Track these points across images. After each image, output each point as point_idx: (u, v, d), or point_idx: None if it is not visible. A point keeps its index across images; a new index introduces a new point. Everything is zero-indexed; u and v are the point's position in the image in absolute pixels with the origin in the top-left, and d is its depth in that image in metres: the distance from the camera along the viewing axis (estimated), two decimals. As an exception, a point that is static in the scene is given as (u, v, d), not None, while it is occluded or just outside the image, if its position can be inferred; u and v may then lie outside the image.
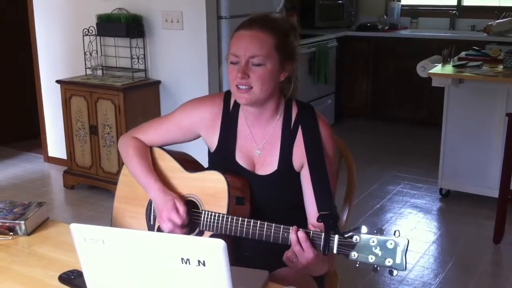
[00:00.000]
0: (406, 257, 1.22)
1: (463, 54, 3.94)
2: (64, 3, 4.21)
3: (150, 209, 1.65)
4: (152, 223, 1.65)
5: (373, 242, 1.25)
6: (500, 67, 3.52)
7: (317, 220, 1.37)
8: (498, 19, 5.07)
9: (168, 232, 1.54)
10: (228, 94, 1.65)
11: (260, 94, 1.50)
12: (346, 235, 1.29)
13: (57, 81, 3.99)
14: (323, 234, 1.33)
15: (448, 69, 3.59)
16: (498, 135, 3.53)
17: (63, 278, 1.36)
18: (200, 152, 1.80)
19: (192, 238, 1.04)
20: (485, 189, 3.63)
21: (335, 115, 5.64)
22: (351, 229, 1.30)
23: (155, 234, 1.21)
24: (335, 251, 1.30)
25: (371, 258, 1.25)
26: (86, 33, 3.95)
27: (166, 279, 1.04)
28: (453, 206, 3.72)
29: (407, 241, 1.22)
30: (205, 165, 1.71)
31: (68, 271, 1.38)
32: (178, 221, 1.52)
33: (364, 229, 1.27)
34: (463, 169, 3.70)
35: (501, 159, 3.24)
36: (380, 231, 1.25)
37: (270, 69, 1.49)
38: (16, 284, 1.38)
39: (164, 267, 1.03)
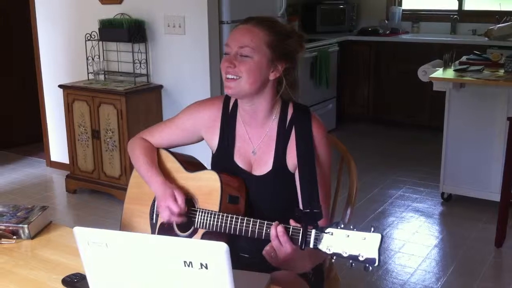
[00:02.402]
0: (380, 252, 1.21)
1: (464, 58, 3.95)
2: (67, 8, 4.22)
3: (153, 208, 1.69)
4: (154, 222, 1.68)
5: (347, 236, 1.25)
6: (501, 71, 3.53)
7: (295, 215, 1.39)
8: (499, 24, 5.08)
9: (166, 221, 1.58)
10: (228, 96, 1.68)
11: (245, 85, 1.53)
12: (323, 230, 1.30)
13: (60, 86, 4.00)
14: (301, 229, 1.34)
15: (449, 73, 3.59)
16: (500, 139, 3.53)
17: (66, 282, 1.37)
18: (207, 155, 1.81)
19: (194, 241, 1.04)
20: (487, 193, 3.63)
21: (337, 119, 5.65)
22: (330, 224, 1.32)
23: (158, 237, 1.21)
24: (311, 246, 1.31)
25: (345, 253, 1.25)
26: (89, 38, 3.97)
27: (169, 282, 1.05)
28: (455, 210, 3.72)
29: (380, 236, 1.22)
30: (209, 167, 1.74)
31: (71, 274, 1.39)
32: (175, 209, 1.56)
33: (341, 224, 1.28)
34: (464, 173, 3.70)
35: (503, 163, 3.24)
36: (357, 227, 1.26)
37: (257, 62, 1.51)
38: (20, 288, 1.39)
39: (167, 270, 1.03)
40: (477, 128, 3.63)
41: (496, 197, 3.32)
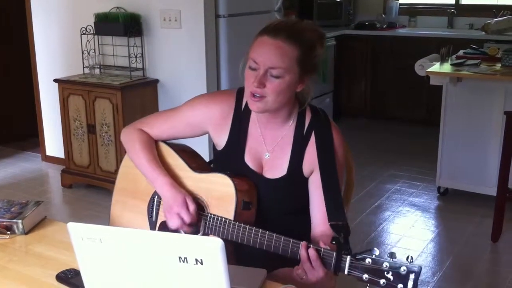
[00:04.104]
0: (418, 284, 1.22)
1: (461, 52, 3.95)
2: (62, 2, 4.20)
3: (153, 205, 1.63)
4: (154, 220, 1.62)
5: (386, 266, 1.24)
6: (498, 66, 3.53)
7: (331, 242, 1.35)
8: (496, 18, 5.08)
9: (175, 229, 1.52)
10: (240, 93, 1.61)
11: (273, 104, 1.48)
12: (358, 257, 1.28)
13: (55, 80, 3.98)
14: (334, 253, 1.32)
15: (446, 67, 3.59)
16: (496, 133, 3.53)
17: (60, 277, 1.36)
18: (200, 147, 1.79)
19: (190, 237, 1.04)
20: (483, 187, 3.63)
21: (334, 114, 5.64)
22: (363, 251, 1.29)
23: (152, 233, 1.21)
24: (346, 272, 1.30)
25: (383, 283, 1.24)
26: (84, 32, 3.94)
27: (164, 277, 1.04)
28: (451, 205, 3.73)
29: (420, 269, 1.22)
30: (207, 160, 1.70)
31: (66, 270, 1.38)
32: (187, 218, 1.50)
33: (376, 251, 1.27)
34: (461, 167, 3.70)
35: (499, 157, 3.24)
36: (392, 255, 1.25)
37: (287, 82, 1.45)
38: (14, 283, 1.37)
39: (162, 266, 1.03)
40: (474, 122, 3.62)
41: (493, 192, 3.32)
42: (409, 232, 3.34)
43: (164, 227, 1.59)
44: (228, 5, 3.78)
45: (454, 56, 3.85)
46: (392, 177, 4.22)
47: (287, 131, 1.57)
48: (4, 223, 1.62)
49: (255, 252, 1.52)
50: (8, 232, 1.61)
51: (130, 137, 1.68)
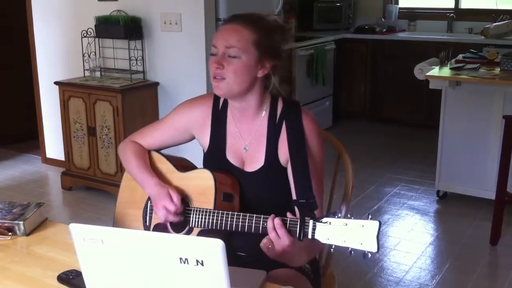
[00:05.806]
0: (378, 239, 1.23)
1: (460, 56, 3.96)
2: (63, 5, 4.21)
3: (146, 211, 1.68)
4: (148, 225, 1.66)
5: (345, 225, 1.26)
6: (497, 70, 3.54)
7: (291, 205, 1.39)
8: (495, 22, 5.09)
9: (163, 221, 1.57)
10: None
11: (233, 86, 1.53)
12: (321, 220, 1.30)
13: (56, 83, 4.00)
14: (298, 220, 1.34)
15: (446, 71, 3.60)
16: (495, 137, 3.54)
17: (62, 278, 1.37)
18: (198, 156, 1.80)
19: (190, 238, 1.05)
20: (482, 191, 3.64)
21: (333, 117, 5.66)
22: (327, 214, 1.32)
23: (154, 234, 1.22)
24: (309, 236, 1.32)
25: (344, 241, 1.26)
26: (85, 34, 3.96)
27: (165, 278, 1.05)
28: (450, 208, 3.73)
29: (378, 223, 1.24)
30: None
31: (67, 271, 1.39)
32: (171, 207, 1.55)
33: (337, 213, 1.29)
34: (460, 171, 3.71)
35: (498, 161, 3.25)
36: (354, 215, 1.27)
37: (245, 63, 1.51)
38: (15, 284, 1.38)
39: (163, 267, 1.03)
40: (472, 126, 3.64)
41: (491, 195, 3.33)
42: (408, 235, 3.35)
43: (157, 230, 1.63)
44: (228, 8, 3.80)
45: (453, 60, 3.86)
46: (391, 180, 4.23)
47: (261, 123, 1.62)
48: (6, 224, 1.62)
49: (251, 252, 1.54)
50: (10, 233, 1.62)
51: (124, 149, 1.76)
